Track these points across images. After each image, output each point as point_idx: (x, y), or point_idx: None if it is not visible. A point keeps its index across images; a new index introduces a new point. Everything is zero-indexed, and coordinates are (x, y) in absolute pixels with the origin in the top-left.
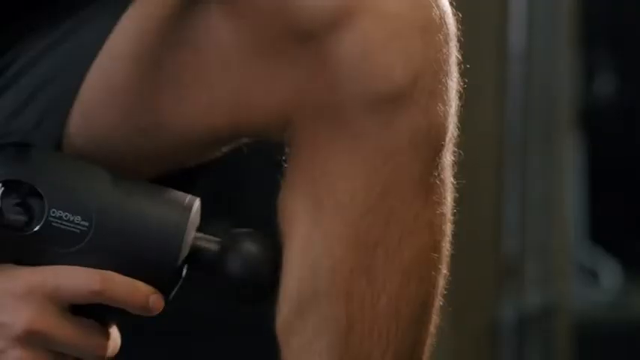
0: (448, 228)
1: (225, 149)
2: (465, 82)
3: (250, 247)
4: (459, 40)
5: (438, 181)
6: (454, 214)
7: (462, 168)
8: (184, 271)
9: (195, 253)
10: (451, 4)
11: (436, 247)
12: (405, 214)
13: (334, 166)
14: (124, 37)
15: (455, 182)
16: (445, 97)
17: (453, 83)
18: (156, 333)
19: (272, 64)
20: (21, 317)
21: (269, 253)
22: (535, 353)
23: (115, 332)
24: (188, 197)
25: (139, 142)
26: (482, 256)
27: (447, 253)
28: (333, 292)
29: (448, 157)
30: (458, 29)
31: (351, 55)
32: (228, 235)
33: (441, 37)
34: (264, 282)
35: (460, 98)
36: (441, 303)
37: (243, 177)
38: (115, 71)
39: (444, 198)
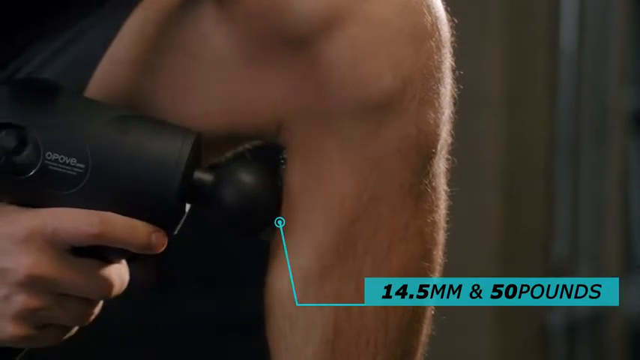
0: (441, 236)
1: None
2: (515, 83)
3: (246, 177)
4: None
5: (429, 189)
6: (504, 215)
7: (512, 169)
8: (187, 206)
9: (195, 185)
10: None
11: (427, 256)
12: (393, 221)
13: (324, 172)
14: (124, 42)
15: (504, 184)
16: (437, 104)
17: (446, 90)
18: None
19: (264, 69)
20: (22, 262)
21: (265, 183)
22: (585, 359)
23: (121, 269)
24: (187, 130)
25: None
26: (532, 258)
27: (439, 261)
28: (321, 299)
29: (441, 165)
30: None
31: (340, 62)
32: (225, 167)
33: (432, 43)
34: (260, 211)
35: (454, 104)
36: (433, 311)
37: None
38: (115, 76)
39: (436, 206)
